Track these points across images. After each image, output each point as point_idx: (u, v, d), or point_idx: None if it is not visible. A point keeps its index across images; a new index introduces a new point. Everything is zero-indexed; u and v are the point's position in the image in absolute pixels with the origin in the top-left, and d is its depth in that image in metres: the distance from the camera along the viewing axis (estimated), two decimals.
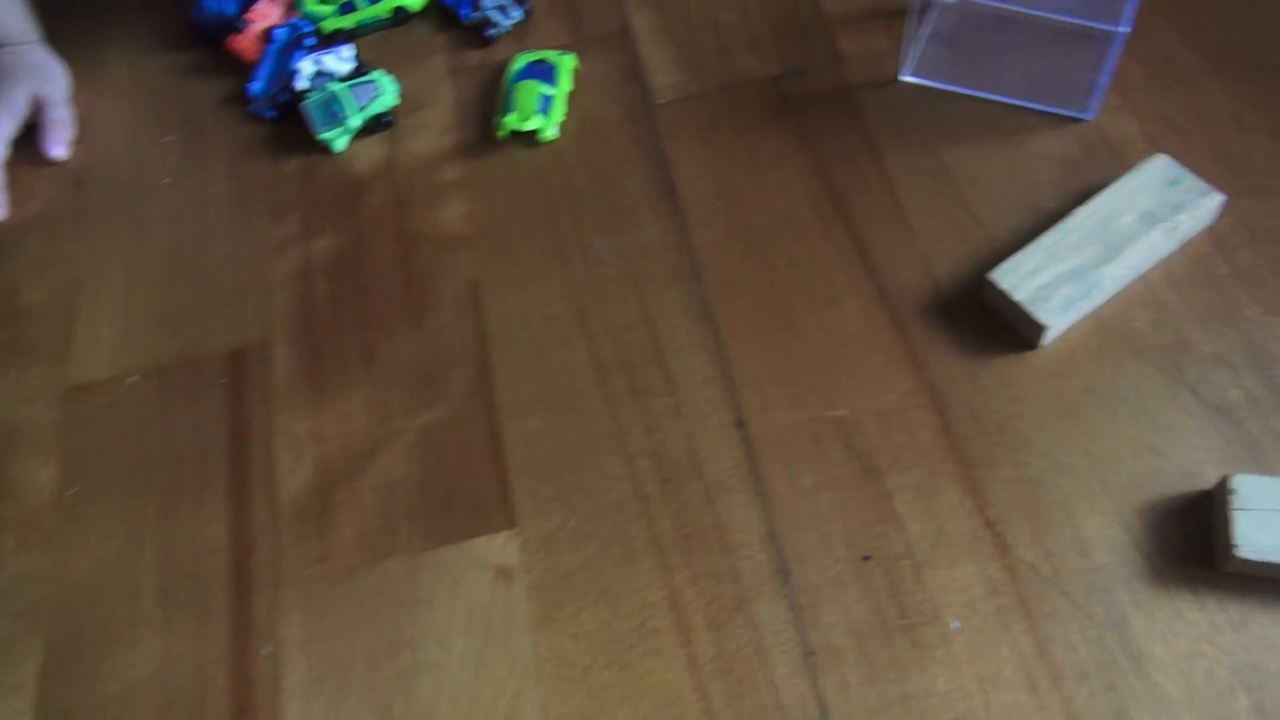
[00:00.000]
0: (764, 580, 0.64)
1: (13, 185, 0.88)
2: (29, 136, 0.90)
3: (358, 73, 0.87)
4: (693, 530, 0.66)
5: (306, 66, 0.86)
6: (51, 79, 0.91)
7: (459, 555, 0.67)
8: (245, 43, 0.92)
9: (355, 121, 0.85)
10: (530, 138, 0.85)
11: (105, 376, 0.77)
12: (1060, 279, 0.69)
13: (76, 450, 0.74)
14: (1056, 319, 0.67)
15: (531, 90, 0.85)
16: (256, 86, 0.89)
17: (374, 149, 0.87)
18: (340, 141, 0.86)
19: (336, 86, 0.85)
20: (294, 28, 0.91)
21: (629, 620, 0.64)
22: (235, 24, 0.91)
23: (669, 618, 0.63)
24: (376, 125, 0.86)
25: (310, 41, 0.90)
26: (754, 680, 0.61)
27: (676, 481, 0.68)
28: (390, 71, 0.89)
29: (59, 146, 0.89)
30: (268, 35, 0.92)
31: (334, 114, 0.85)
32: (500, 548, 0.67)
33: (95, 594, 0.68)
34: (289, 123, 0.88)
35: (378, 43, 0.93)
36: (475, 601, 0.65)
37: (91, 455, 0.74)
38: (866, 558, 0.64)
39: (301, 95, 0.86)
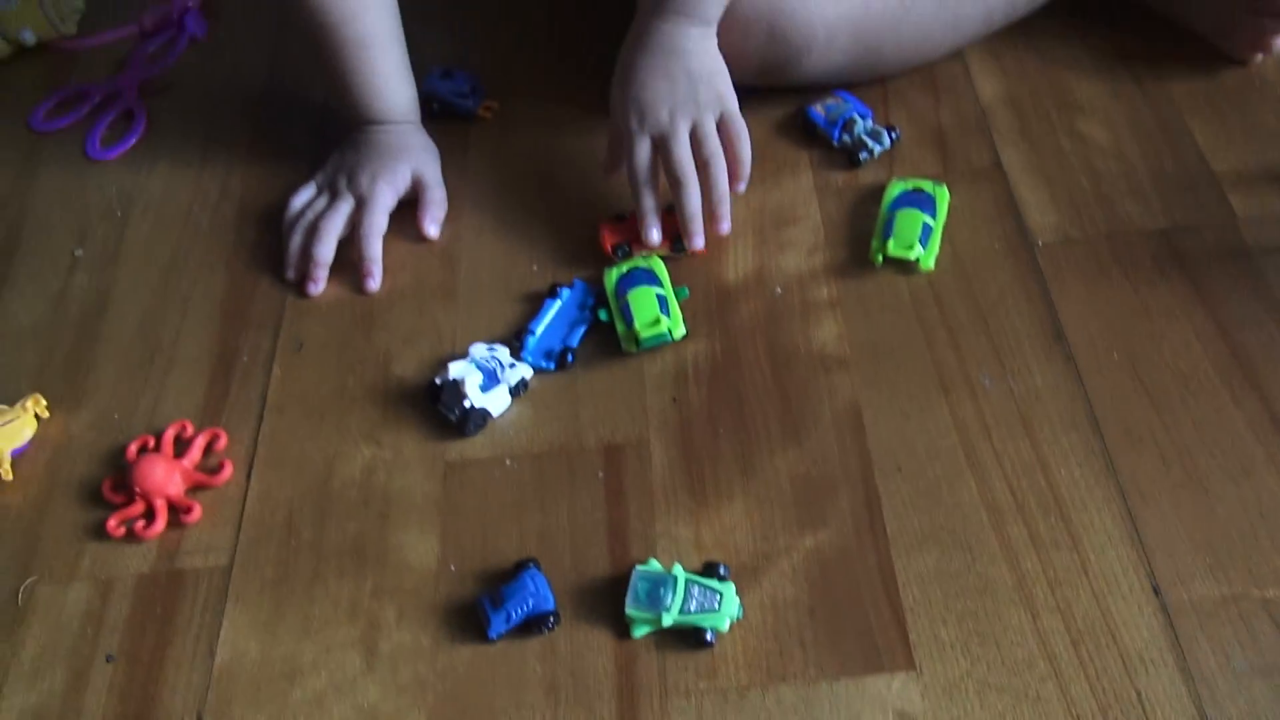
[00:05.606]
0: None
1: (386, 256, 0.91)
2: (400, 212, 0.93)
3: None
4: (1112, 701, 0.63)
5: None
6: (430, 159, 0.95)
7: (858, 691, 0.65)
8: None
9: (668, 620, 0.67)
10: (903, 265, 0.85)
11: (483, 456, 0.78)
12: None
13: (456, 526, 0.75)
14: None
15: (914, 219, 0.85)
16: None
17: (745, 259, 0.87)
18: (640, 630, 0.68)
19: (682, 573, 0.68)
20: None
21: None
22: None
23: None
24: (693, 632, 0.68)
25: None
26: None
27: (1089, 645, 0.65)
28: (754, 183, 0.89)
29: (434, 225, 0.93)
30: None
31: (656, 599, 0.68)
32: (901, 689, 0.65)
33: (480, 678, 0.68)
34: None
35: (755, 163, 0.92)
36: None
37: (470, 533, 0.74)
38: None
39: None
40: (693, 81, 0.85)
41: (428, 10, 1.08)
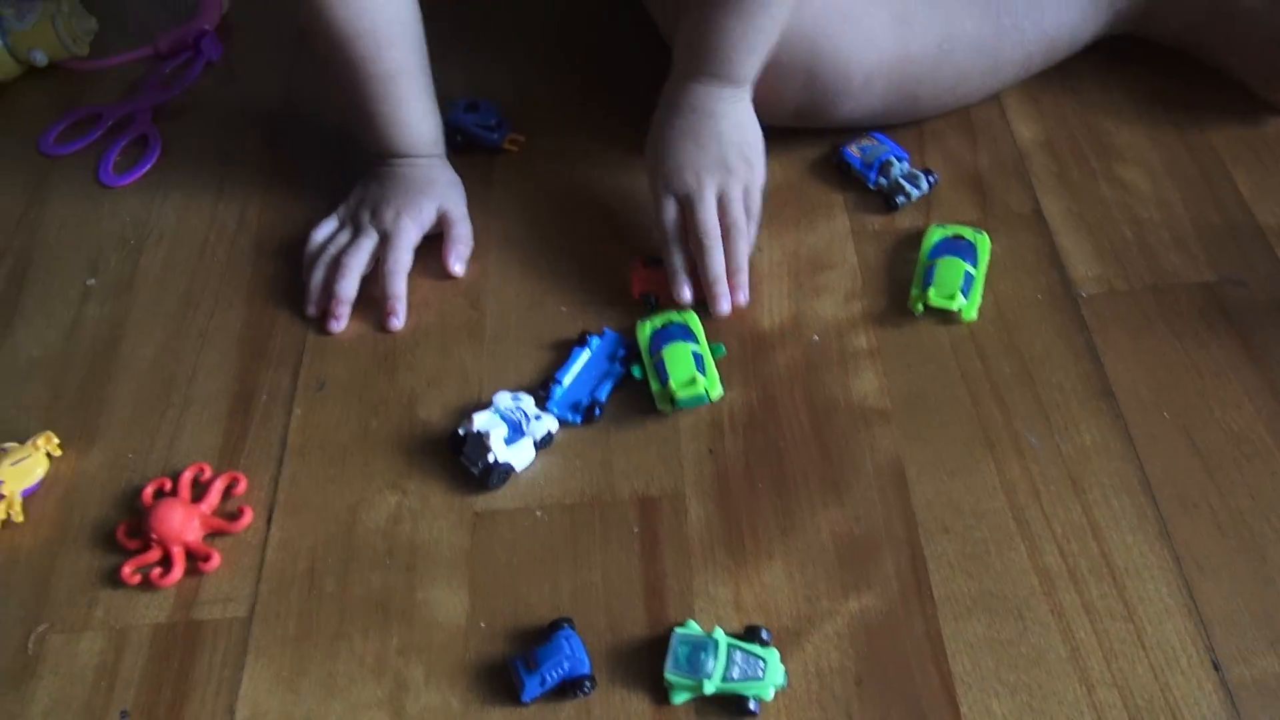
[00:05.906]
0: None
1: (410, 294, 0.88)
2: (424, 248, 0.90)
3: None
4: None
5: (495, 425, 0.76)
6: (455, 194, 0.93)
7: None
8: None
9: (710, 687, 0.64)
10: (943, 314, 0.83)
11: (512, 506, 0.76)
12: None
13: (485, 580, 0.72)
14: None
15: (955, 267, 0.83)
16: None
17: (780, 305, 0.85)
18: (679, 696, 0.65)
19: (724, 638, 0.66)
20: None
21: None
22: None
23: None
24: (735, 700, 0.65)
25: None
26: None
27: None
28: (789, 225, 0.88)
29: (459, 263, 0.90)
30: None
31: (697, 664, 0.65)
32: None
33: None
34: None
35: (775, 195, 0.90)
36: None
37: (501, 588, 0.72)
38: None
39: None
40: (722, 145, 0.83)
41: (453, 42, 1.05)
